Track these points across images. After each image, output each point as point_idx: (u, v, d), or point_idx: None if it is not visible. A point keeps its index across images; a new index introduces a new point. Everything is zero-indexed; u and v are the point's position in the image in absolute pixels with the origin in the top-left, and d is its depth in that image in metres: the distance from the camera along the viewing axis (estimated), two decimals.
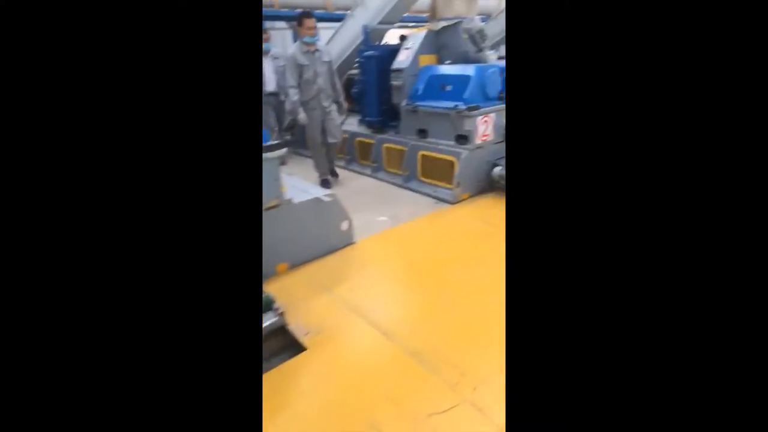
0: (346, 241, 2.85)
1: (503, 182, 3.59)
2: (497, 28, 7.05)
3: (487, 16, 7.76)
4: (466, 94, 3.53)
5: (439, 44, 4.14)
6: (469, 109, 3.46)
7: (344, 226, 2.82)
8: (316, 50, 3.70)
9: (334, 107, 3.94)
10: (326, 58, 3.78)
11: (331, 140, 3.98)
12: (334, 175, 4.26)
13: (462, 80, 3.62)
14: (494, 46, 7.54)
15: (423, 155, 3.89)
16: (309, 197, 2.59)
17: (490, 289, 2.28)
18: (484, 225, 3.14)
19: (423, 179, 3.93)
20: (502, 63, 4.05)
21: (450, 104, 3.60)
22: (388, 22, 4.66)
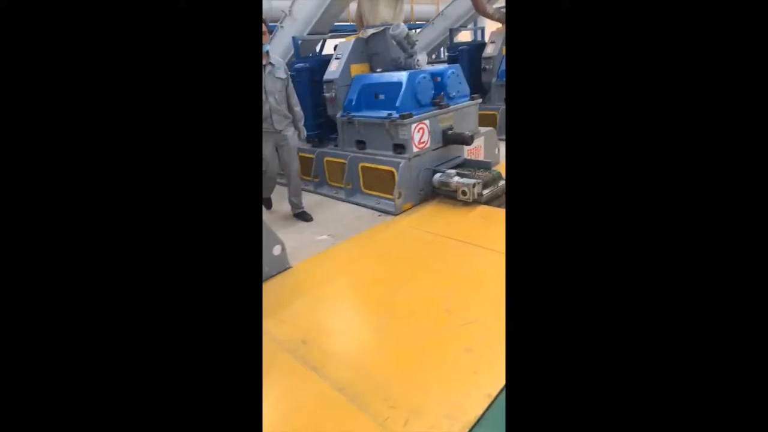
0: (280, 267, 2.69)
1: (444, 189, 3.53)
2: (434, 33, 7.11)
3: (425, 22, 7.81)
4: (398, 102, 3.45)
5: (370, 52, 4.05)
6: (402, 117, 3.38)
7: (276, 250, 2.66)
8: (269, 63, 3.13)
9: (290, 132, 3.33)
10: (281, 75, 3.17)
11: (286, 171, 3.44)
12: (307, 219, 3.55)
13: (393, 88, 3.54)
14: (433, 51, 7.61)
15: (363, 167, 3.78)
16: None
17: (428, 307, 2.18)
18: (425, 234, 3.05)
19: (366, 191, 3.82)
20: (434, 68, 4.02)
21: (383, 113, 3.51)
22: (319, 32, 4.54)
